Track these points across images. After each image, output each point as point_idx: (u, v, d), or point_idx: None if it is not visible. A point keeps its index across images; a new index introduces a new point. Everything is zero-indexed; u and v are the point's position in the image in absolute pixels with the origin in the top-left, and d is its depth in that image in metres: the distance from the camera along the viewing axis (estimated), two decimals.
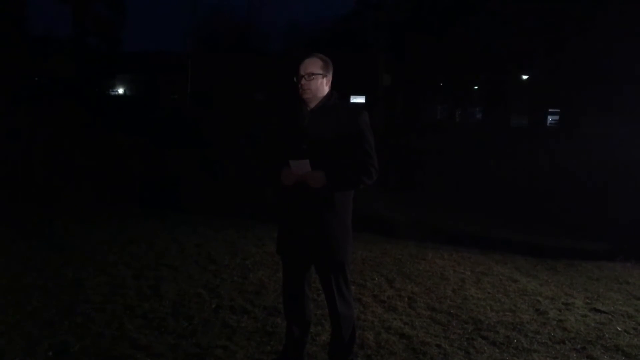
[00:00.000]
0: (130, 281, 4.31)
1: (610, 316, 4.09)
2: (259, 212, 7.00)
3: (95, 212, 7.05)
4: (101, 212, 7.14)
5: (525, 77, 27.27)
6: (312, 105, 2.75)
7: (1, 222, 6.10)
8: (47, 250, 5.05)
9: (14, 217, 6.48)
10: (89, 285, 4.16)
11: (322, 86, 2.75)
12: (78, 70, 16.60)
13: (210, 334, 3.39)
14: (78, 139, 10.99)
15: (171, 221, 6.80)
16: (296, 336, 2.92)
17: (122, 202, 7.95)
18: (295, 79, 2.72)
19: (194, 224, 6.58)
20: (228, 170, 10.16)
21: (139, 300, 3.91)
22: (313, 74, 2.70)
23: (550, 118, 31.88)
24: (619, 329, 3.82)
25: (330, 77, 2.79)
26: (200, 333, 3.40)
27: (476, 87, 32.40)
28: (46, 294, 3.93)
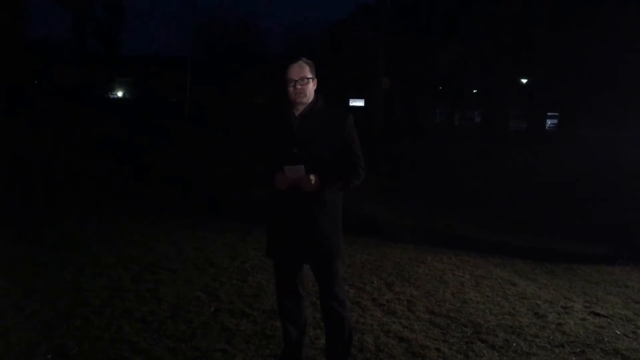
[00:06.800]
0: (129, 284, 4.31)
1: (609, 320, 4.09)
2: (257, 215, 7.00)
3: (94, 215, 7.04)
4: (101, 214, 7.13)
5: (524, 80, 27.35)
6: (300, 109, 2.77)
7: (0, 224, 6.09)
8: (46, 253, 5.04)
9: (12, 219, 6.47)
10: (87, 288, 4.15)
11: (312, 90, 2.79)
12: (77, 73, 16.64)
13: (209, 338, 3.38)
14: (77, 141, 10.99)
15: (170, 224, 6.79)
16: (294, 338, 2.93)
17: (122, 204, 7.94)
18: (285, 85, 2.74)
19: (193, 227, 6.57)
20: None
21: (138, 303, 3.90)
22: (306, 78, 2.74)
23: (549, 122, 31.92)
24: (618, 332, 3.83)
25: (316, 80, 2.82)
26: (199, 336, 3.40)
27: (475, 91, 32.47)
28: (45, 297, 3.92)
